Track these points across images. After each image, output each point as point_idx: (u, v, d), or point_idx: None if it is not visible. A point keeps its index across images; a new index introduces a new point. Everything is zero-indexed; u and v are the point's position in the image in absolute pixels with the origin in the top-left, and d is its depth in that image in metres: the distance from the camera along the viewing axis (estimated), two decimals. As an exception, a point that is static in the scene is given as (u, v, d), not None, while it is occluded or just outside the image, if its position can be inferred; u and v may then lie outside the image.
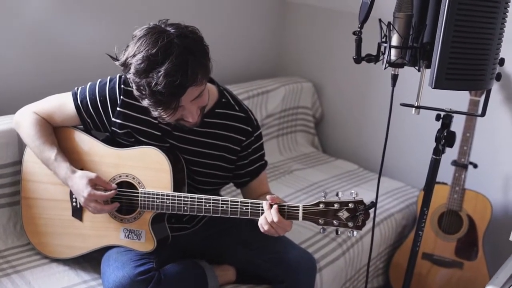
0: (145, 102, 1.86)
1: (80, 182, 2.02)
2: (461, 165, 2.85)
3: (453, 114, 1.89)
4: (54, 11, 2.77)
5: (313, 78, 3.86)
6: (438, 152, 1.89)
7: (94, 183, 2.02)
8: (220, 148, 2.15)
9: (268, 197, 1.91)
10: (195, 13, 3.34)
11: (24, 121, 2.14)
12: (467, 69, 1.62)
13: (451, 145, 1.89)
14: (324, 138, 3.95)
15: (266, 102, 3.49)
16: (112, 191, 2.04)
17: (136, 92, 1.86)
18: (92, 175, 2.03)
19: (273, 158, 3.46)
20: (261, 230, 1.92)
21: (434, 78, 1.61)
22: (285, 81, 3.69)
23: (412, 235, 2.99)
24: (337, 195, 1.87)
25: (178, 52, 1.76)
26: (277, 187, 3.06)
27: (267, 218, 1.88)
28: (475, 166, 2.90)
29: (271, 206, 1.89)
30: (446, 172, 2.78)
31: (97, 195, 2.00)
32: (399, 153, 3.40)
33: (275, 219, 1.87)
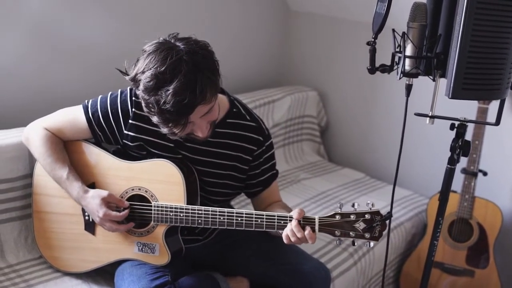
0: (155, 119, 1.86)
1: (93, 202, 2.01)
2: (470, 173, 2.85)
3: (467, 123, 1.88)
4: (69, 22, 2.78)
5: (317, 86, 3.86)
6: (453, 161, 1.88)
7: (107, 202, 2.02)
8: (232, 158, 2.14)
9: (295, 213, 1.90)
10: (199, 24, 3.35)
11: (34, 137, 2.13)
12: (484, 79, 1.61)
13: (466, 154, 1.88)
14: (330, 146, 3.95)
15: (272, 112, 3.49)
16: (126, 211, 2.04)
17: (145, 109, 1.86)
18: (105, 193, 2.02)
19: (279, 168, 3.40)
20: (285, 241, 1.91)
21: (451, 88, 1.61)
22: (290, 90, 3.69)
23: (421, 244, 2.99)
24: (353, 206, 1.86)
25: (186, 70, 1.75)
26: (285, 197, 3.03)
27: (295, 233, 1.88)
28: (485, 174, 2.89)
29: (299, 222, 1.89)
30: (455, 180, 2.76)
31: (112, 216, 2.00)
32: (406, 161, 3.36)
33: (299, 235, 1.87)
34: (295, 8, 3.88)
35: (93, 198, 2.02)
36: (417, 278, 2.97)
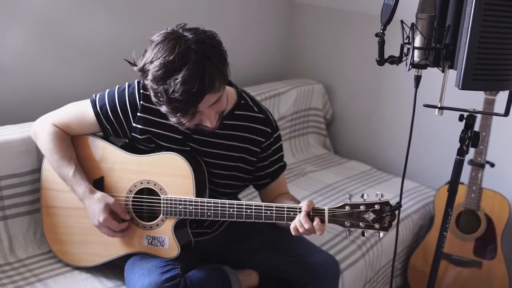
0: (163, 109, 1.86)
1: (97, 205, 2.03)
2: (477, 165, 2.84)
3: (476, 114, 1.88)
4: (75, 19, 2.79)
5: (323, 79, 3.86)
6: (462, 152, 1.88)
7: (111, 209, 2.03)
8: (240, 150, 2.15)
9: (304, 204, 1.90)
10: (204, 17, 3.34)
11: (42, 133, 2.14)
12: (494, 70, 1.61)
13: (475, 145, 1.88)
14: (335, 139, 3.95)
15: (278, 105, 3.49)
16: (126, 223, 2.06)
17: (154, 99, 1.86)
18: (110, 200, 2.03)
19: (286, 160, 3.45)
20: (293, 233, 1.91)
21: (461, 79, 1.60)
22: (296, 83, 3.69)
23: (429, 236, 2.99)
24: (362, 196, 1.86)
25: (195, 58, 1.75)
26: (292, 189, 3.00)
27: (303, 224, 1.87)
28: (492, 165, 2.89)
29: (308, 214, 1.89)
30: (462, 172, 2.77)
31: (112, 224, 2.02)
32: (413, 153, 3.34)
33: (306, 226, 1.86)
34: (300, 0, 3.87)
35: (99, 201, 2.03)
36: (423, 270, 2.98)
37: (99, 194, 2.05)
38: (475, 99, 2.71)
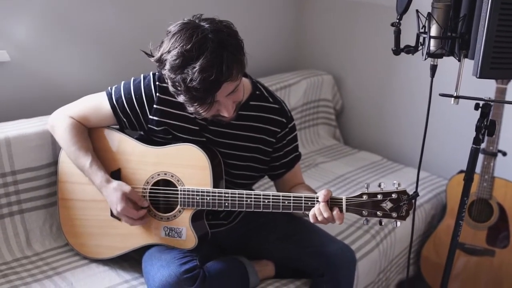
0: (181, 98, 1.87)
1: (114, 194, 2.03)
2: (490, 153, 2.84)
3: (492, 103, 1.88)
4: (88, 7, 2.79)
5: (332, 70, 3.86)
6: (478, 141, 1.88)
7: (128, 198, 2.04)
8: (255, 140, 2.15)
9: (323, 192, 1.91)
10: (213, 9, 3.31)
11: (59, 125, 2.15)
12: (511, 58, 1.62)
13: (491, 134, 1.89)
14: (345, 130, 3.95)
15: (289, 96, 3.49)
16: (144, 210, 2.06)
17: (171, 88, 1.87)
18: (127, 188, 2.04)
19: (297, 151, 3.48)
20: (312, 220, 1.92)
21: (479, 68, 1.60)
22: (306, 74, 3.69)
23: (441, 225, 2.99)
24: (379, 185, 1.87)
25: (212, 47, 1.76)
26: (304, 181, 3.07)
27: (322, 213, 1.88)
28: (504, 154, 2.88)
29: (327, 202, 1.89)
30: (475, 161, 2.78)
31: (130, 213, 2.03)
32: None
33: (326, 215, 1.87)
34: (309, -9, 3.88)
35: (115, 191, 2.04)
36: (436, 259, 2.99)
37: (115, 183, 2.06)
38: (485, 88, 2.71)
